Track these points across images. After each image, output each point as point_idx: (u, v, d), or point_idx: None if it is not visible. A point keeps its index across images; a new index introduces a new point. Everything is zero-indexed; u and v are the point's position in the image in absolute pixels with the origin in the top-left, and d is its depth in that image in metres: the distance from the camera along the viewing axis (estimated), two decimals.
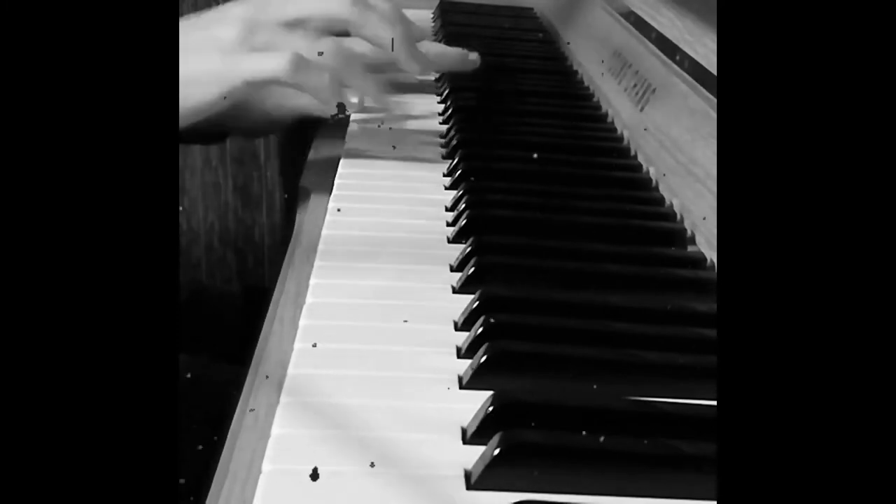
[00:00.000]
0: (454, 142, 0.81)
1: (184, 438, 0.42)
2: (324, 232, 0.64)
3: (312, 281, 0.57)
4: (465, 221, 0.65)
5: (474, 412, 0.44)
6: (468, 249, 0.61)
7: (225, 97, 0.71)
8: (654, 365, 0.49)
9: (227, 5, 0.75)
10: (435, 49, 0.82)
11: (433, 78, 1.05)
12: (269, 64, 0.70)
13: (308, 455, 0.42)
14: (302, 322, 0.53)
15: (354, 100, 0.75)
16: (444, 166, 0.77)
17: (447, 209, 0.70)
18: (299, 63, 0.70)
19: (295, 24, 0.73)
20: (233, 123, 0.80)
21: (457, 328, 0.53)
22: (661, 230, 0.67)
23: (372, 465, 0.41)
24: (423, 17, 1.39)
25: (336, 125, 0.83)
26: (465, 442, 0.43)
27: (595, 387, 0.48)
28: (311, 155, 0.81)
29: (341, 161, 0.76)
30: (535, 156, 0.78)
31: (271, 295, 0.61)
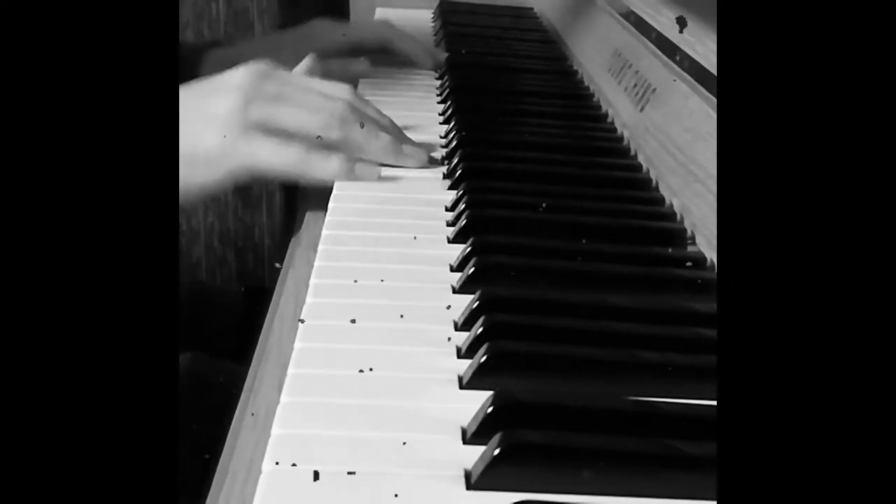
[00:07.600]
0: (454, 142, 0.81)
1: (184, 438, 0.42)
2: (324, 232, 0.64)
3: (312, 281, 0.57)
4: (465, 221, 0.65)
5: (474, 412, 0.44)
6: (468, 249, 0.61)
7: (233, 180, 0.71)
8: (654, 365, 0.49)
9: (224, 74, 0.73)
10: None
11: (434, 76, 1.06)
12: (277, 158, 0.70)
13: (308, 455, 0.42)
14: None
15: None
16: (444, 166, 0.77)
17: (447, 209, 0.70)
18: (306, 159, 0.70)
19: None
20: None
21: (457, 328, 0.53)
22: (661, 230, 0.67)
23: (372, 464, 0.41)
24: (424, 17, 1.39)
25: None
26: (465, 442, 0.43)
27: (595, 387, 0.48)
28: None
29: None
30: (538, 161, 0.78)
31: (271, 295, 0.61)
